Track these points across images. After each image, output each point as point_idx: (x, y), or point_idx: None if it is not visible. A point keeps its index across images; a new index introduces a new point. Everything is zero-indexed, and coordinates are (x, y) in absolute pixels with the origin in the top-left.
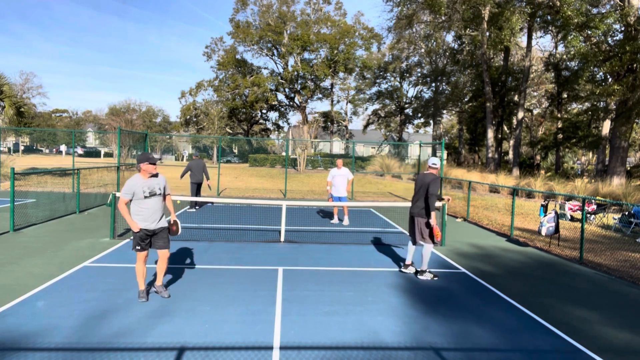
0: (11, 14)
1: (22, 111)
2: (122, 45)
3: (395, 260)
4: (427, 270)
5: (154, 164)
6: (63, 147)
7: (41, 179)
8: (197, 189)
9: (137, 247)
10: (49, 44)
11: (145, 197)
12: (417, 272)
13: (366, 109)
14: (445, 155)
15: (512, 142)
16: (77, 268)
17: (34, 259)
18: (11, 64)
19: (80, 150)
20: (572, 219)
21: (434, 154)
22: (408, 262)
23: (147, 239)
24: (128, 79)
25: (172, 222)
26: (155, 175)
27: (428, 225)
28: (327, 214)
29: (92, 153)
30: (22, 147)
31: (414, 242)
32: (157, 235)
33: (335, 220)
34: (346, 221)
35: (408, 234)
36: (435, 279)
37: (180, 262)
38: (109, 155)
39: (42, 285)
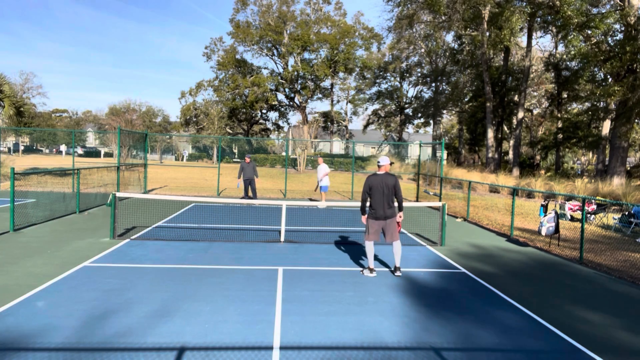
0: (11, 14)
1: (22, 111)
2: (123, 45)
3: None
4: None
5: None
6: (63, 147)
7: (41, 179)
8: (248, 185)
9: None
10: (49, 44)
11: None
12: (396, 269)
13: (366, 109)
14: (445, 155)
15: (512, 142)
16: (77, 268)
17: (34, 259)
18: (11, 64)
19: (80, 150)
20: (572, 219)
21: (434, 154)
22: (372, 266)
23: None
24: (128, 79)
25: None
26: None
27: (397, 223)
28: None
29: (92, 153)
30: (22, 147)
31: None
32: None
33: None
34: (322, 204)
35: (370, 238)
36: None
37: (180, 262)
38: (109, 155)
39: (42, 285)
